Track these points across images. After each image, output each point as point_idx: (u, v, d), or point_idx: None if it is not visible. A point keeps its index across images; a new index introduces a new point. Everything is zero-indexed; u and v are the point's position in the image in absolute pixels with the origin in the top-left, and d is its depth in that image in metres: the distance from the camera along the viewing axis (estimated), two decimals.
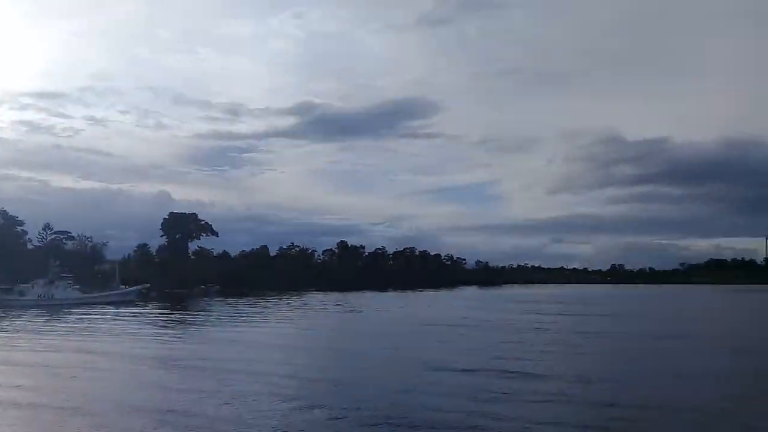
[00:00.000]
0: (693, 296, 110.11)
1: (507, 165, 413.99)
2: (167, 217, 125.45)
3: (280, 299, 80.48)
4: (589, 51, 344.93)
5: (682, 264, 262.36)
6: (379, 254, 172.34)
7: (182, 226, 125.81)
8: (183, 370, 22.45)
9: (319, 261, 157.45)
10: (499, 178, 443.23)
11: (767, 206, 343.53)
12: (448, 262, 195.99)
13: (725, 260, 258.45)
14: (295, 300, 79.87)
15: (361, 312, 60.30)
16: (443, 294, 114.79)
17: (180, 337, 35.77)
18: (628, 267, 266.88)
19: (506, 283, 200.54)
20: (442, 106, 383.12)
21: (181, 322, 47.18)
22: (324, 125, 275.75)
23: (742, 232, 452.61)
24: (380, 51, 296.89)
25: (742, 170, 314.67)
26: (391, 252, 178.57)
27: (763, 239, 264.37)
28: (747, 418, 15.26)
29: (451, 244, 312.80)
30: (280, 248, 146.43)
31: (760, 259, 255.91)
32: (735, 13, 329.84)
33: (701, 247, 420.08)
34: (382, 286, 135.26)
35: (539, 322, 45.05)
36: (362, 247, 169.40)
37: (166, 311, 59.91)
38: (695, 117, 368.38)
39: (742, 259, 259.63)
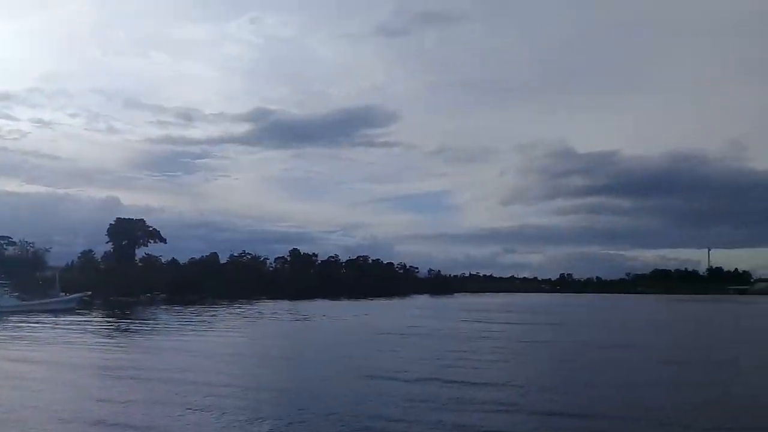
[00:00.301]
0: (637, 305, 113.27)
1: (462, 175, 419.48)
2: (113, 222, 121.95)
3: (229, 307, 78.96)
4: (544, 65, 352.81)
5: (628, 274, 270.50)
6: (332, 262, 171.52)
7: (129, 232, 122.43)
8: (121, 380, 21.59)
9: (270, 269, 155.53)
10: (455, 187, 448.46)
11: (710, 219, 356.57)
12: (401, 271, 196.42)
13: (669, 271, 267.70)
14: (245, 308, 78.49)
15: (311, 320, 59.68)
16: (395, 302, 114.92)
17: (121, 346, 34.57)
18: (576, 276, 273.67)
19: (458, 291, 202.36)
20: (399, 115, 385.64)
21: (124, 331, 45.65)
22: (279, 132, 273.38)
23: (686, 244, 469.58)
24: (336, 59, 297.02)
25: (687, 184, 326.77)
26: (345, 260, 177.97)
27: (706, 251, 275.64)
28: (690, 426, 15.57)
29: (405, 253, 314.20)
30: (231, 255, 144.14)
31: (702, 270, 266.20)
32: (682, 33, 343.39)
33: (647, 257, 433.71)
34: (334, 294, 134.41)
35: (488, 331, 45.47)
36: (315, 255, 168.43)
37: (108, 319, 57.93)
38: (644, 131, 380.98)
39: (686, 269, 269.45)
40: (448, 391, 19.51)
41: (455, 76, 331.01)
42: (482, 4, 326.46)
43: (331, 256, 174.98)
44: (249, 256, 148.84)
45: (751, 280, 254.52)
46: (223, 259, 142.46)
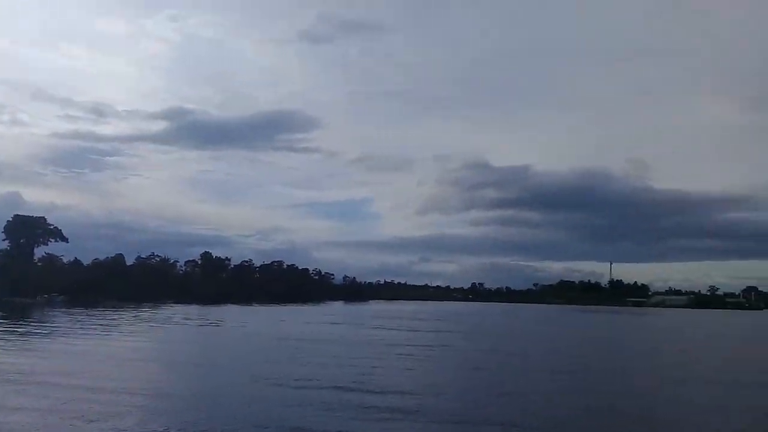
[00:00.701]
0: (539, 315, 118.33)
1: (381, 184, 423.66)
2: (11, 219, 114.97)
3: (134, 311, 76.35)
4: (463, 80, 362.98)
5: (535, 284, 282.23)
6: (246, 267, 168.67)
7: (28, 229, 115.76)
8: (7, 385, 20.79)
9: (180, 272, 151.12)
10: (374, 196, 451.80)
11: (613, 234, 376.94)
12: (317, 277, 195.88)
13: (574, 282, 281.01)
14: (151, 312, 76.16)
15: (218, 325, 58.76)
16: (308, 309, 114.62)
17: (8, 350, 32.93)
18: (487, 286, 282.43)
19: (372, 298, 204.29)
20: (321, 121, 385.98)
21: (15, 333, 43.40)
22: (196, 132, 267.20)
23: (591, 257, 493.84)
24: (259, 62, 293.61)
25: (593, 200, 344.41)
26: (259, 265, 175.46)
27: (608, 264, 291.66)
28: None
29: (322, 259, 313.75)
30: (139, 257, 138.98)
31: (604, 282, 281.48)
32: (591, 55, 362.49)
33: (554, 269, 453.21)
34: (246, 299, 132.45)
35: (396, 338, 46.54)
36: (228, 259, 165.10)
37: None
38: (554, 148, 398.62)
39: (589, 281, 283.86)
40: (350, 397, 19.97)
41: (377, 86, 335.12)
42: (405, 18, 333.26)
43: (244, 261, 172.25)
44: (158, 259, 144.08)
45: (649, 294, 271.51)
46: (130, 260, 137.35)
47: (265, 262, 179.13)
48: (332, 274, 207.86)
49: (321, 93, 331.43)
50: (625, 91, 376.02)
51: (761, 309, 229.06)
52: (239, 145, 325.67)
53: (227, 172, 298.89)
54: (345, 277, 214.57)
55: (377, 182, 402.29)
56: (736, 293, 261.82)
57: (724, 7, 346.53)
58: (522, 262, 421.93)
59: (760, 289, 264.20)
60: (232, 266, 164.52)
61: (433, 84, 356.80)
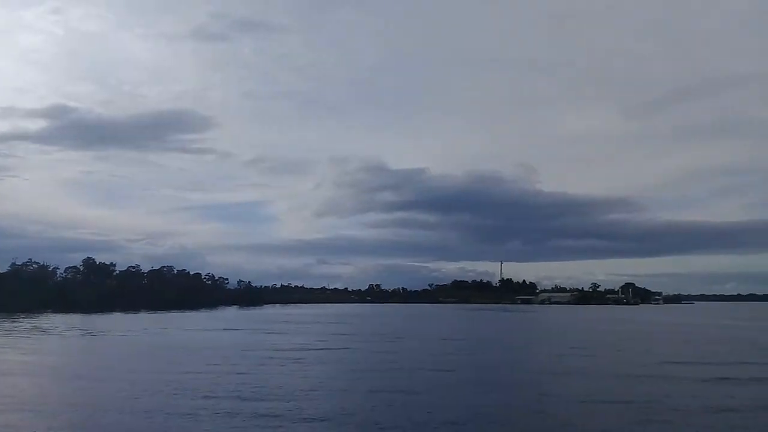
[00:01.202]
0: (431, 314, 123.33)
1: (277, 186, 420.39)
2: None
3: (7, 322, 72.84)
4: (360, 83, 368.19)
5: (431, 285, 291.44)
6: (132, 273, 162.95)
7: None
8: None
9: (60, 279, 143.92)
10: (270, 198, 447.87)
11: (504, 235, 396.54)
12: (209, 282, 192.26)
13: (467, 282, 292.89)
14: (25, 323, 72.97)
15: (98, 335, 57.65)
16: (200, 315, 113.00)
17: None
18: (384, 287, 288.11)
19: (269, 303, 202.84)
20: (215, 122, 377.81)
21: None
22: (80, 131, 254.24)
23: (483, 257, 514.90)
24: (149, 59, 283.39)
25: (485, 202, 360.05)
26: (147, 270, 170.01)
27: (499, 264, 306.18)
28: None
29: (217, 264, 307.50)
30: (13, 264, 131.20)
31: (495, 281, 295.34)
32: (485, 61, 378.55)
33: (449, 269, 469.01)
34: (134, 307, 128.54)
35: (286, 342, 47.70)
36: (113, 264, 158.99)
37: None
38: (450, 151, 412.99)
39: (481, 280, 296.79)
40: (222, 405, 20.90)
41: (273, 86, 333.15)
42: (300, 19, 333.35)
43: (131, 266, 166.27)
44: (36, 266, 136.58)
45: (536, 291, 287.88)
46: (4, 267, 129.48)
47: (154, 268, 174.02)
48: (226, 279, 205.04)
49: (214, 92, 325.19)
50: (515, 98, 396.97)
51: (638, 304, 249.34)
52: (126, 146, 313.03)
53: (113, 173, 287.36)
54: (240, 281, 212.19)
55: (273, 184, 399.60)
56: (616, 290, 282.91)
57: (606, 21, 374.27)
58: (418, 263, 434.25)
59: (637, 285, 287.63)
60: (118, 272, 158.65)
61: (329, 86, 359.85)
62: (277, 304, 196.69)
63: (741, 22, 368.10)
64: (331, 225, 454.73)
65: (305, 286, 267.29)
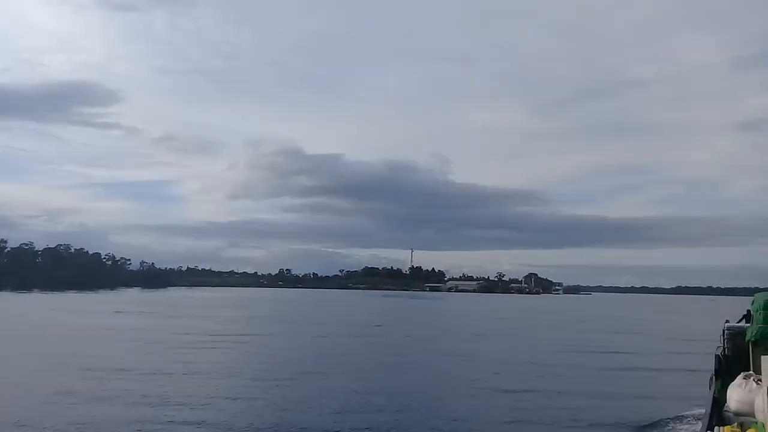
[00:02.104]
0: (342, 299, 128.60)
1: (188, 166, 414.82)
2: None
3: None
4: (277, 64, 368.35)
5: (341, 270, 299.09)
6: (25, 250, 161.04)
7: None
8: None
9: None
10: (179, 178, 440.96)
11: (416, 224, 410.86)
12: (109, 262, 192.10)
13: (377, 268, 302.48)
14: None
15: None
16: (97, 296, 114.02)
17: None
18: (295, 272, 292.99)
19: (174, 285, 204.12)
20: (122, 96, 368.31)
21: None
22: None
23: (395, 245, 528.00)
24: (51, 26, 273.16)
25: (398, 190, 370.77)
26: (42, 248, 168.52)
27: (410, 251, 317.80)
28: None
29: (120, 244, 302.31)
30: None
31: (406, 269, 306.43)
32: (403, 52, 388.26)
33: (361, 255, 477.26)
34: (26, 286, 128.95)
35: (174, 327, 47.06)
36: (3, 241, 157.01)
37: None
38: (366, 138, 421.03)
39: (392, 267, 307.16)
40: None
41: (185, 62, 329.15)
42: None
43: (24, 243, 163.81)
44: None
45: (445, 279, 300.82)
46: None
47: (49, 246, 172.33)
48: (129, 260, 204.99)
49: (122, 65, 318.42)
50: (430, 89, 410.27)
51: (539, 294, 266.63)
52: (26, 116, 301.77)
53: (9, 145, 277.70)
54: (142, 263, 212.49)
55: (183, 164, 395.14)
56: (519, 279, 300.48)
57: (520, 20, 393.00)
58: (331, 249, 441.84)
59: (540, 275, 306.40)
60: (9, 249, 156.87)
61: (245, 65, 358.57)
62: (183, 287, 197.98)
63: (643, 29, 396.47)
64: (243, 208, 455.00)
65: (212, 269, 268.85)
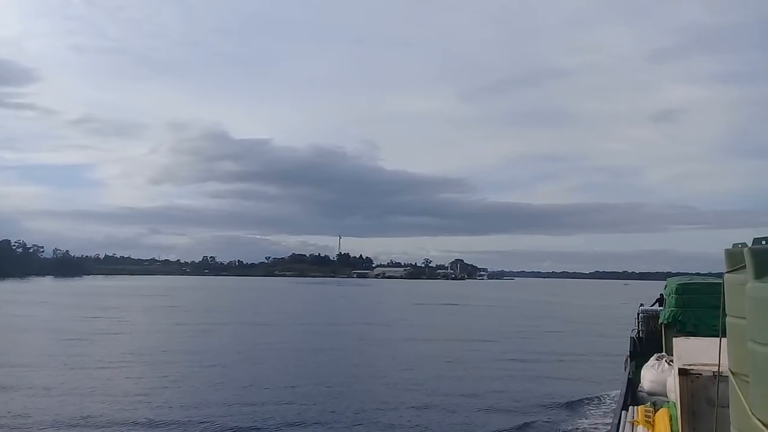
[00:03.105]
0: (264, 287, 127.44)
1: (106, 149, 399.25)
2: None
3: None
4: (202, 44, 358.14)
5: (267, 258, 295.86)
6: None
7: None
8: None
9: None
10: (97, 162, 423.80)
11: (344, 210, 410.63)
12: (20, 250, 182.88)
13: (305, 255, 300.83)
14: None
15: None
16: (4, 285, 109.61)
17: None
18: (219, 259, 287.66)
19: (91, 273, 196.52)
20: (37, 75, 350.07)
21: None
22: None
23: (324, 231, 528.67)
24: None
25: (327, 177, 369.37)
26: None
27: (338, 237, 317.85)
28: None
29: (33, 230, 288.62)
30: None
31: (333, 255, 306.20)
32: (331, 36, 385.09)
33: (290, 242, 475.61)
34: None
35: (74, 318, 46.43)
36: None
37: None
38: (294, 124, 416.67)
39: (319, 254, 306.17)
40: None
41: (104, 41, 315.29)
42: None
43: None
44: None
45: (372, 266, 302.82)
46: None
47: None
48: (41, 247, 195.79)
49: (37, 42, 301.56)
50: (360, 75, 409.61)
51: (464, 279, 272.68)
52: None
53: None
54: (56, 250, 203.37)
55: (102, 147, 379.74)
56: (446, 265, 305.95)
57: (450, 5, 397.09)
58: (258, 236, 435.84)
59: (465, 261, 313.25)
60: None
61: (168, 45, 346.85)
62: (100, 276, 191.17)
63: (570, 20, 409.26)
64: (166, 193, 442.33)
65: (132, 257, 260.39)
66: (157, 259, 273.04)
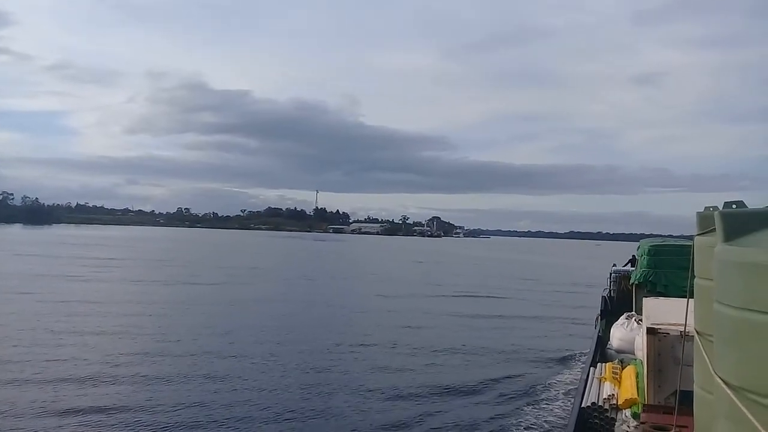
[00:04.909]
0: (237, 240, 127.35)
1: (82, 96, 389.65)
2: None
3: None
4: None
5: (243, 210, 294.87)
6: None
7: None
8: None
9: None
10: (73, 109, 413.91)
11: (324, 165, 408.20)
12: None
13: (281, 209, 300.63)
14: None
15: None
16: None
17: None
18: (194, 211, 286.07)
19: (62, 222, 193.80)
20: (12, 19, 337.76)
21: None
22: None
23: (302, 186, 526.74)
24: None
25: (308, 131, 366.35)
26: None
27: (315, 192, 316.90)
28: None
29: (6, 177, 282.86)
30: None
31: (310, 210, 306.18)
32: None
33: (268, 196, 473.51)
34: None
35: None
36: None
37: None
38: (275, 76, 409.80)
39: (296, 209, 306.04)
40: None
41: None
42: None
43: None
44: None
45: (349, 221, 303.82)
46: None
47: None
48: (11, 194, 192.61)
49: None
50: (342, 29, 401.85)
51: (441, 237, 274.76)
52: None
53: None
54: (25, 197, 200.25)
55: (77, 94, 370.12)
56: (423, 222, 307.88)
57: None
58: (236, 189, 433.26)
59: (443, 219, 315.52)
60: None
61: None
62: (72, 225, 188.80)
63: None
64: (143, 143, 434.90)
65: (105, 206, 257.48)
66: (131, 209, 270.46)
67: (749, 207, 3.24)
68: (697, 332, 3.77)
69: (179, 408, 12.52)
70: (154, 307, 26.66)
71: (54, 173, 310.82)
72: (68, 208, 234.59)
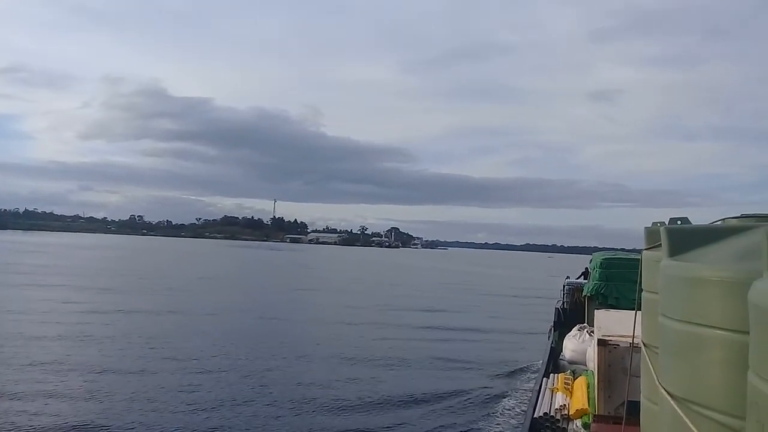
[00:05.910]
0: (189, 249, 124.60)
1: (34, 100, 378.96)
2: None
3: None
4: None
5: (198, 219, 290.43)
6: None
7: None
8: None
9: None
10: (24, 113, 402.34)
11: (284, 175, 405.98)
12: None
13: (237, 218, 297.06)
14: None
15: None
16: None
17: None
18: (148, 219, 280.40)
19: (7, 228, 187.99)
20: None
21: None
22: None
23: (261, 195, 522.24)
24: None
25: (269, 140, 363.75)
26: None
27: (273, 201, 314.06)
28: None
29: None
30: None
31: (267, 219, 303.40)
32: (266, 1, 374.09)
33: (225, 204, 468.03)
34: None
35: None
36: None
37: None
38: (237, 85, 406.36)
39: (253, 218, 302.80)
40: None
41: None
42: None
43: None
44: None
45: (307, 231, 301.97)
46: None
47: None
48: None
49: None
50: (305, 39, 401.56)
51: (398, 248, 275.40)
52: None
53: None
54: None
55: (29, 98, 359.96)
56: (381, 233, 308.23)
57: None
58: (193, 197, 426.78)
59: (401, 230, 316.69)
60: None
61: None
62: (19, 231, 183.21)
63: None
64: (98, 149, 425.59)
65: (54, 213, 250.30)
66: (82, 216, 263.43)
67: (694, 223, 3.36)
68: (643, 344, 3.87)
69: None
70: (65, 318, 24.54)
71: (2, 178, 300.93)
72: (15, 213, 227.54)
